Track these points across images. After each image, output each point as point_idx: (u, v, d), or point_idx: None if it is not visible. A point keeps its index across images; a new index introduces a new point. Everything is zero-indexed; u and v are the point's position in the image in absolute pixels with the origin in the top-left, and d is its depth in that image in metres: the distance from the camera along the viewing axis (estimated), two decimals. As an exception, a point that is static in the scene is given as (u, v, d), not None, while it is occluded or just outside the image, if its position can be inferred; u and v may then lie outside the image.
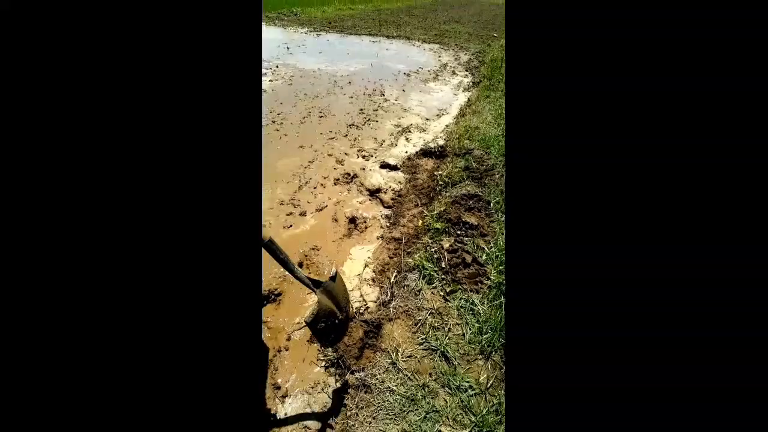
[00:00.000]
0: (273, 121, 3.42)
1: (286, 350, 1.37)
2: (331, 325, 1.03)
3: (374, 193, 2.43)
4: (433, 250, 1.79)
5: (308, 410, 1.18)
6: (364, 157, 2.90)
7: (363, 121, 3.57)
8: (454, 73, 5.57)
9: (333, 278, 1.11)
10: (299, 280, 1.02)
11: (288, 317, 1.53)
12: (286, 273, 1.73)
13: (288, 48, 6.45)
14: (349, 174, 2.62)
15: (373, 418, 1.09)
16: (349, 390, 1.20)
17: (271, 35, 7.62)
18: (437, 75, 5.37)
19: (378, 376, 1.20)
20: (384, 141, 3.19)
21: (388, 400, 1.12)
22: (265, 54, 5.88)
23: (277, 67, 5.24)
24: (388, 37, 8.17)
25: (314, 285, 1.04)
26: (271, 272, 1.72)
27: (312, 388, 1.25)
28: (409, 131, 3.43)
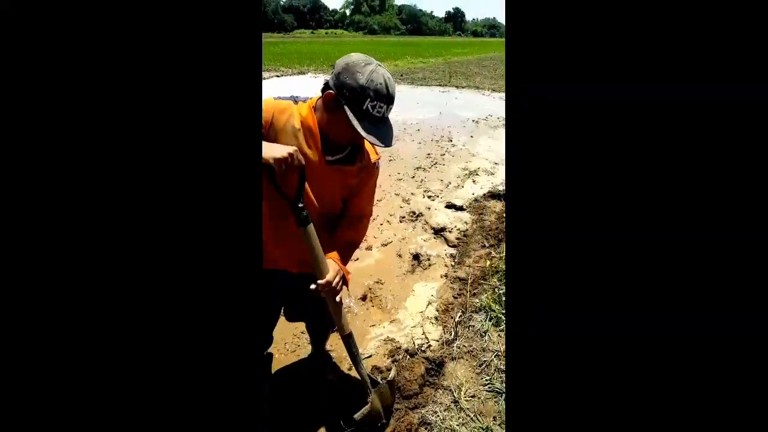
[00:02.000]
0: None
1: (347, 379, 1.39)
2: (374, 427, 1.12)
3: (439, 231, 2.46)
4: (501, 292, 1.73)
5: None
6: (429, 197, 2.97)
7: (430, 164, 3.69)
8: (523, 119, 5.57)
9: (390, 383, 1.17)
10: (361, 376, 1.09)
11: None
12: (352, 303, 1.80)
13: (363, 99, 7.02)
14: (414, 212, 2.69)
15: (433, 458, 1.04)
16: (407, 423, 1.17)
17: (349, 88, 8.37)
18: (505, 121, 5.41)
19: (439, 414, 1.16)
20: (450, 183, 3.25)
21: (448, 441, 1.08)
22: (342, 104, 6.46)
23: (352, 115, 5.71)
24: (457, 87, 8.51)
25: (372, 384, 1.11)
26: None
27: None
28: (477, 174, 3.46)
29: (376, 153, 1.00)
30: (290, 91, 1.04)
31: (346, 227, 1.04)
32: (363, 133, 0.79)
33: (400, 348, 1.52)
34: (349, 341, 1.02)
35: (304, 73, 10.15)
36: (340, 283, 0.93)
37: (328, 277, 0.90)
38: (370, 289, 1.90)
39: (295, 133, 0.85)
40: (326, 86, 0.83)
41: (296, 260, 0.99)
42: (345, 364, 1.47)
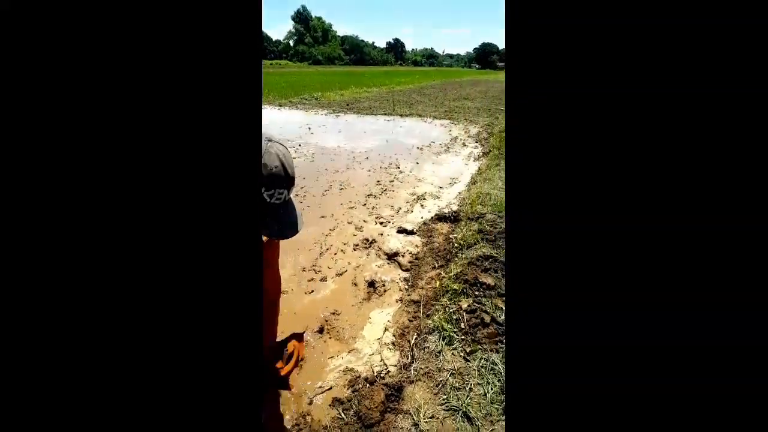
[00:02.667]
0: (296, 195, 3.69)
1: (308, 414, 1.38)
2: None
3: (392, 256, 2.53)
4: (451, 311, 1.82)
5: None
6: (381, 223, 3.06)
7: (380, 191, 3.81)
8: (464, 144, 5.95)
9: None
10: None
11: (309, 381, 1.55)
12: (308, 336, 1.79)
13: (310, 128, 7.10)
14: (367, 239, 2.75)
15: (397, 484, 1.06)
16: (372, 456, 1.18)
17: (295, 117, 8.44)
18: (448, 147, 5.75)
19: (400, 440, 1.19)
20: (400, 208, 3.38)
21: (411, 465, 1.10)
22: (289, 134, 6.48)
23: (299, 146, 5.74)
24: (401, 115, 8.90)
25: None
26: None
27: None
28: (424, 199, 3.62)
29: None
30: None
31: (266, 324, 0.90)
32: (266, 238, 0.68)
33: (359, 377, 1.53)
34: None
35: (249, 104, 10.04)
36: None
37: None
38: (326, 321, 1.90)
39: None
40: None
41: None
42: (305, 399, 1.45)
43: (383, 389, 1.45)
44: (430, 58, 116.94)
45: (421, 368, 1.51)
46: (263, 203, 0.66)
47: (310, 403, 1.44)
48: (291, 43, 79.23)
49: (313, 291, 2.16)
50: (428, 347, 1.62)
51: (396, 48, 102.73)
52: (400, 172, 4.49)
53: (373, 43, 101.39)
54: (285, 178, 0.67)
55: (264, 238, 0.80)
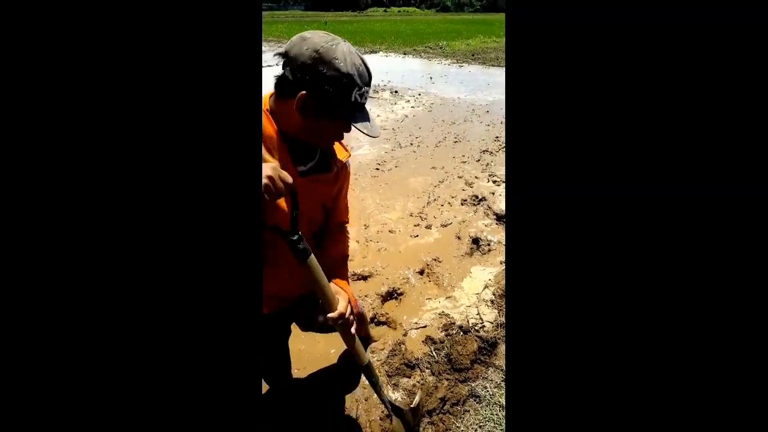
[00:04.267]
0: (411, 143, 3.71)
1: (402, 344, 1.48)
2: None
3: (502, 218, 2.41)
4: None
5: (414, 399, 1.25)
6: (495, 182, 2.91)
7: (498, 148, 3.58)
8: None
9: (414, 410, 1.13)
10: (383, 402, 1.05)
11: (406, 315, 1.64)
12: (410, 275, 1.87)
13: (431, 78, 6.90)
14: (477, 196, 2.66)
15: (480, 426, 1.09)
16: (457, 394, 1.22)
17: (416, 66, 8.27)
18: (585, 107, 5.01)
19: (489, 389, 1.20)
20: (517, 169, 3.14)
21: (497, 414, 1.11)
22: (410, 83, 6.41)
23: (419, 95, 5.66)
24: (532, 68, 7.98)
25: (395, 411, 1.08)
26: (396, 273, 1.87)
27: (420, 383, 1.32)
28: (546, 162, 3.29)
29: (346, 150, 0.89)
30: None
31: (332, 243, 0.94)
32: (368, 132, 0.70)
33: (454, 323, 1.56)
34: (368, 371, 0.96)
35: (375, 52, 10.19)
36: (352, 314, 0.85)
37: (340, 308, 0.79)
38: (427, 265, 1.95)
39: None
40: (285, 81, 0.68)
41: (296, 285, 0.89)
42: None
43: (476, 341, 1.46)
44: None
45: (519, 330, 1.46)
46: (354, 104, 0.68)
47: (405, 335, 1.53)
48: (421, -13, 75.80)
49: (417, 236, 2.22)
50: (531, 312, 1.54)
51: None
52: (523, 130, 4.12)
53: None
54: (369, 76, 0.69)
55: (342, 161, 0.87)
